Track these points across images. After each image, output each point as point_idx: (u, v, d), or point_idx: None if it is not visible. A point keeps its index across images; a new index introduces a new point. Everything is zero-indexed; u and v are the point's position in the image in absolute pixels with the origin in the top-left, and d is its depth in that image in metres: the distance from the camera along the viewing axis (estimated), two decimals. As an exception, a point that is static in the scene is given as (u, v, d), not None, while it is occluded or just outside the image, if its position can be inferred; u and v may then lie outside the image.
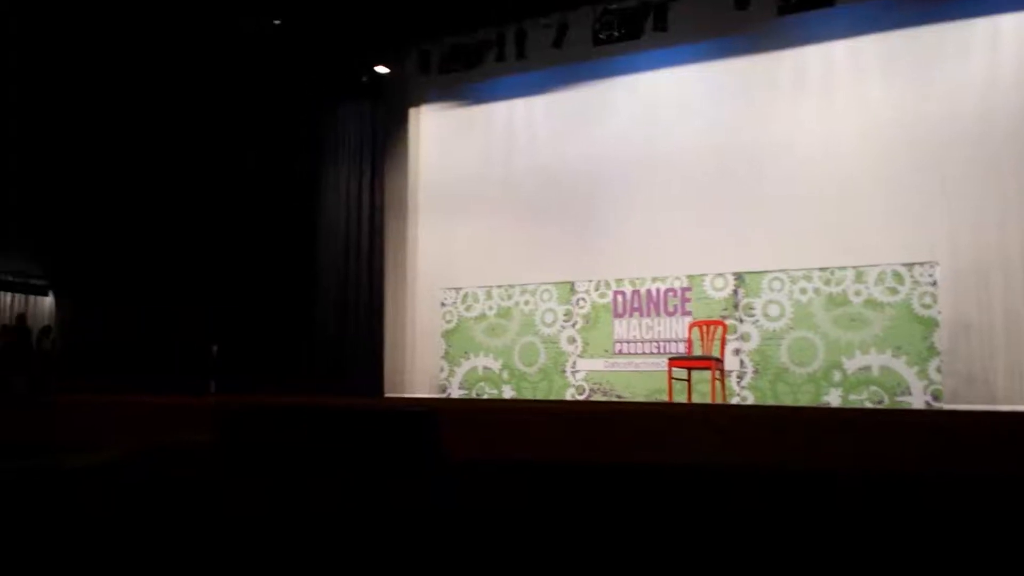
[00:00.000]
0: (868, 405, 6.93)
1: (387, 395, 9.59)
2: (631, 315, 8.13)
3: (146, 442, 2.18)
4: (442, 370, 9.11)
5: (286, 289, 9.85)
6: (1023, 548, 1.85)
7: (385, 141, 10.30)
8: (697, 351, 7.14)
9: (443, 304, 9.21)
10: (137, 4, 8.21)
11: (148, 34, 8.58)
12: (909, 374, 6.84)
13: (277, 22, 8.99)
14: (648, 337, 8.03)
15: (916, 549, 1.92)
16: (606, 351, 8.21)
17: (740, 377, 7.54)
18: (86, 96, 8.97)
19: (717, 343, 7.02)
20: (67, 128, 9.00)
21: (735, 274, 7.70)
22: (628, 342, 8.12)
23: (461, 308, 9.07)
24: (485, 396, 8.66)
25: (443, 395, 8.92)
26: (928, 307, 6.86)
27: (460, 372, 8.97)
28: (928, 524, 1.95)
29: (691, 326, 7.44)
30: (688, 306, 7.88)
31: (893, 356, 6.93)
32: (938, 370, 6.77)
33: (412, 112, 10.45)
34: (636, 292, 8.13)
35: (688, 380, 6.91)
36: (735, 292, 7.66)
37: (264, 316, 9.50)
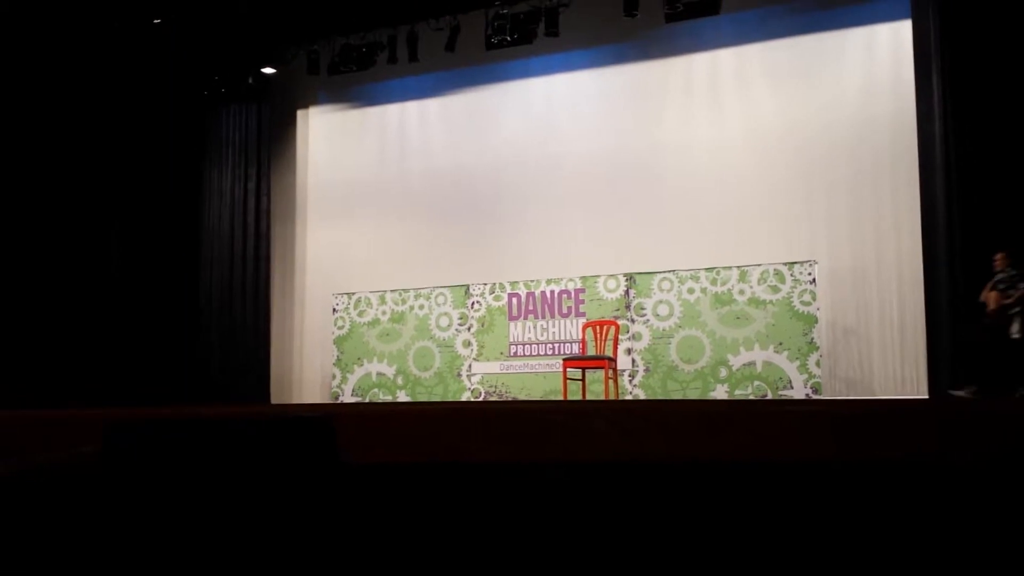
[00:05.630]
0: (753, 399, 7.20)
1: (275, 404, 9.32)
2: (526, 317, 8.20)
3: (27, 458, 2.07)
4: (334, 377, 8.95)
5: (166, 298, 9.44)
6: (903, 529, 1.96)
7: (272, 144, 9.95)
8: (591, 351, 7.27)
9: (335, 310, 9.06)
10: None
11: (22, 30, 8.10)
12: (791, 368, 7.15)
13: (157, 21, 8.65)
14: (543, 339, 8.12)
15: (805, 533, 2.02)
16: (501, 353, 8.25)
17: (632, 376, 7.71)
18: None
19: (610, 343, 7.16)
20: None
21: (627, 275, 7.87)
22: (523, 344, 8.19)
23: (353, 313, 8.95)
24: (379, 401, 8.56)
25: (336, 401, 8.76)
26: (807, 304, 7.18)
27: (353, 379, 8.84)
28: (813, 510, 2.05)
29: (585, 327, 7.56)
30: (582, 307, 8.01)
31: (775, 352, 7.23)
32: (817, 364, 7.10)
33: (301, 114, 10.24)
34: (531, 294, 8.21)
35: (582, 380, 7.02)
36: (627, 293, 7.83)
37: (143, 326, 9.07)
